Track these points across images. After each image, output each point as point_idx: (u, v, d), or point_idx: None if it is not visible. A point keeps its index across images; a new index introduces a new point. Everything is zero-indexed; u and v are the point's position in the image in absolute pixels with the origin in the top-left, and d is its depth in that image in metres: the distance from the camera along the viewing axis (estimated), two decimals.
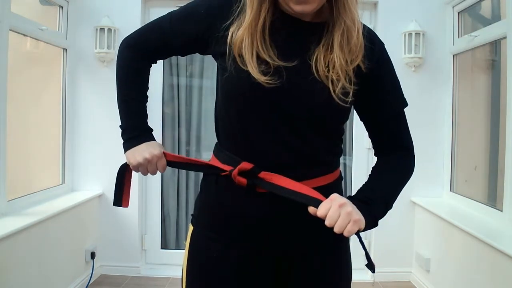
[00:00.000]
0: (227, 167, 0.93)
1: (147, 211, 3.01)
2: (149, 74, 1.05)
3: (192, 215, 1.05)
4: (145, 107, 1.05)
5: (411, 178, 0.99)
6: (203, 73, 3.07)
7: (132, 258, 2.93)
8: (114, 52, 2.76)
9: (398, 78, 1.01)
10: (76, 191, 2.84)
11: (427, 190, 2.84)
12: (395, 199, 0.97)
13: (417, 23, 2.77)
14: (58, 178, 2.82)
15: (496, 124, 2.48)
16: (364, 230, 0.86)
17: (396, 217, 2.88)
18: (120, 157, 1.02)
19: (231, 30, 0.90)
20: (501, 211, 2.16)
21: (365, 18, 2.91)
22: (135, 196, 2.87)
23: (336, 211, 0.81)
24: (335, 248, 1.00)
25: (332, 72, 0.87)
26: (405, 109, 1.00)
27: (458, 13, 2.76)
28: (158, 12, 2.81)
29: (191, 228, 1.03)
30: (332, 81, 0.87)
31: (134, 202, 2.88)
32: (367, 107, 0.99)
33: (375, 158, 1.03)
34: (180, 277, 1.05)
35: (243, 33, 0.87)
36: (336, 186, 0.99)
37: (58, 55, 2.79)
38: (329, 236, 0.88)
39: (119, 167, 1.03)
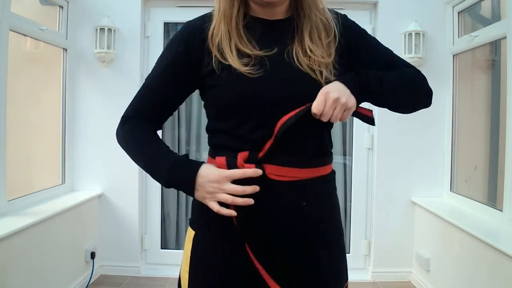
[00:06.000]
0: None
1: (147, 211, 3.01)
2: (159, 137, 1.02)
3: (190, 219, 1.02)
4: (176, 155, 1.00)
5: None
6: None
7: (132, 258, 2.93)
8: (114, 52, 2.74)
9: None
10: (76, 191, 2.84)
11: (427, 190, 2.84)
12: (396, 87, 0.96)
13: (417, 23, 2.77)
14: (58, 178, 2.82)
15: (496, 124, 2.48)
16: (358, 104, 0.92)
17: (396, 217, 2.88)
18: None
19: (211, 43, 0.92)
20: (501, 211, 2.17)
21: (365, 18, 2.91)
22: (135, 196, 2.87)
23: (331, 107, 0.87)
24: (339, 247, 1.01)
25: (310, 61, 0.91)
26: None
27: (458, 13, 2.77)
28: (158, 12, 2.79)
29: (191, 232, 0.99)
30: (314, 69, 0.91)
31: (134, 202, 2.88)
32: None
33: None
34: (178, 282, 1.01)
35: (218, 28, 0.92)
36: (330, 179, 1.00)
37: (58, 55, 2.79)
38: (335, 233, 0.89)
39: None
